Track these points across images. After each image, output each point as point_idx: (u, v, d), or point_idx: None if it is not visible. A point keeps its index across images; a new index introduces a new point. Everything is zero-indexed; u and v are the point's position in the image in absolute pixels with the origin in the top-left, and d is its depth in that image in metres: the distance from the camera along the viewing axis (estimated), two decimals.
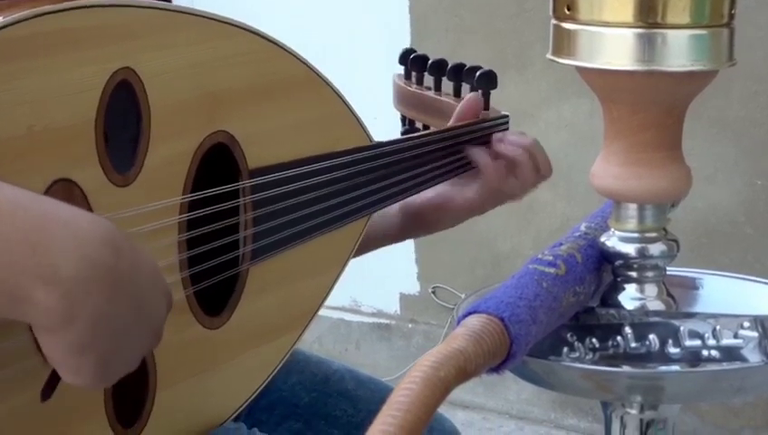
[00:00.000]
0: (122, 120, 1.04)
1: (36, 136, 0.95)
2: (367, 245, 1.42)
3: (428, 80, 1.51)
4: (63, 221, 0.85)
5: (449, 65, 1.48)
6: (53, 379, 0.95)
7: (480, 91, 1.45)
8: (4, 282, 0.83)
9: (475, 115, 1.43)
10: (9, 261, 0.82)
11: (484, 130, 1.42)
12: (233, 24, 1.14)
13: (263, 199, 1.17)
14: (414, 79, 1.52)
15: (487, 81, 1.45)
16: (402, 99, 1.53)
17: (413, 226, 1.45)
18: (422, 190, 1.39)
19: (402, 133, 1.50)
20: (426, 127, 1.50)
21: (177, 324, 1.09)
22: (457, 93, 1.49)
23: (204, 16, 1.11)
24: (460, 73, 1.47)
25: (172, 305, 0.96)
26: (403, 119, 1.54)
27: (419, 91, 1.51)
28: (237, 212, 1.16)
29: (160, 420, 1.09)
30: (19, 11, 0.94)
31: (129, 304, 0.89)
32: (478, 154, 1.40)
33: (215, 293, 1.15)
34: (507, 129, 1.46)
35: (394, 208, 1.43)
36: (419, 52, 1.53)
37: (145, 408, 1.08)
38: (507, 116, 1.46)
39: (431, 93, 1.50)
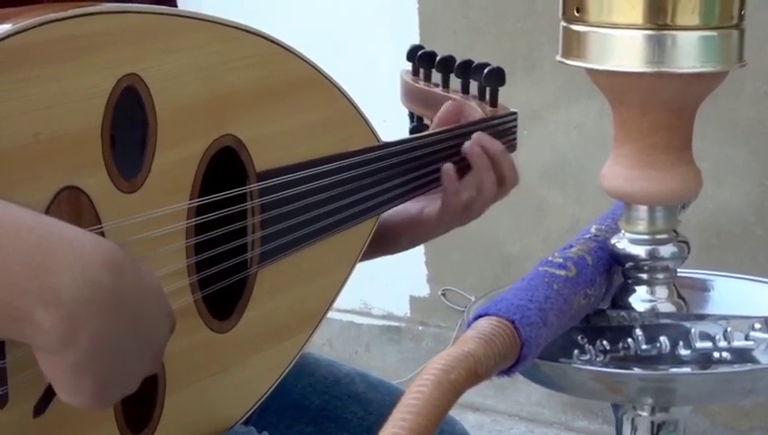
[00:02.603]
0: (129, 126, 1.03)
1: (43, 144, 0.95)
2: None
3: (436, 76, 1.50)
4: (67, 242, 0.85)
5: (457, 62, 1.47)
6: (48, 395, 0.95)
7: (488, 88, 1.44)
8: (5, 303, 0.83)
9: (453, 123, 1.41)
10: (11, 282, 0.82)
11: (492, 127, 1.42)
12: (237, 27, 1.14)
13: (270, 202, 1.17)
14: (422, 75, 1.52)
15: (496, 78, 1.44)
16: (410, 95, 1.53)
17: (378, 240, 1.40)
18: (431, 190, 1.38)
19: (411, 130, 1.50)
20: None
21: (186, 329, 1.09)
22: (465, 90, 1.48)
23: (208, 20, 1.11)
24: (468, 70, 1.47)
25: (175, 327, 0.96)
26: (411, 115, 1.53)
27: (427, 88, 1.50)
28: (245, 216, 1.15)
29: (170, 424, 1.09)
30: (25, 19, 0.94)
31: (129, 327, 0.89)
32: (445, 172, 1.36)
33: (223, 296, 1.15)
34: (515, 126, 1.45)
35: None
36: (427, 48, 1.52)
37: (154, 412, 1.08)
38: (515, 113, 1.46)
39: (439, 90, 1.49)
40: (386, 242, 1.42)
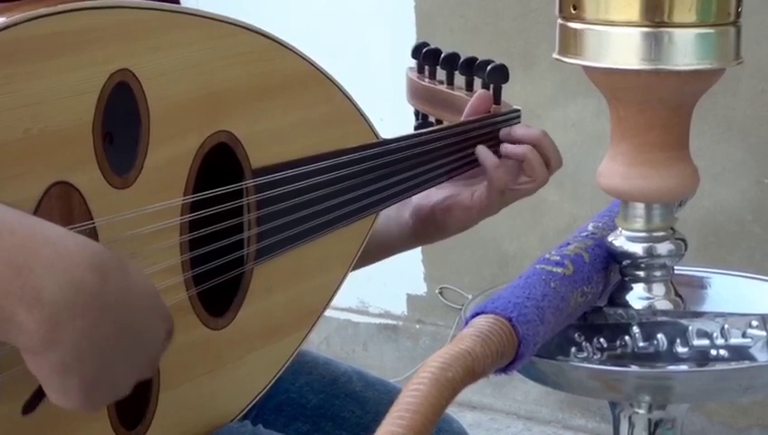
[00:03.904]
0: (121, 122, 1.03)
1: (33, 139, 0.95)
2: (381, 252, 1.41)
3: (441, 74, 1.50)
4: (51, 243, 0.85)
5: (461, 59, 1.47)
6: (38, 395, 0.94)
7: (491, 85, 1.44)
8: None
9: (485, 112, 1.42)
10: None
11: (495, 124, 1.42)
12: (232, 24, 1.13)
13: (267, 199, 1.17)
14: (427, 73, 1.52)
15: (499, 75, 1.44)
16: (415, 93, 1.53)
17: (426, 230, 1.43)
18: (432, 187, 1.38)
19: (416, 127, 1.50)
20: (439, 121, 1.49)
21: (181, 326, 1.09)
22: (469, 87, 1.48)
23: (203, 16, 1.10)
24: (472, 67, 1.46)
25: (173, 332, 0.96)
26: (416, 113, 1.53)
27: (432, 86, 1.50)
28: (241, 212, 1.15)
29: (164, 421, 1.09)
30: (15, 14, 0.94)
31: (115, 329, 0.88)
32: (485, 156, 1.38)
33: (219, 294, 1.14)
34: (519, 123, 1.45)
35: (406, 214, 1.42)
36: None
37: (148, 409, 1.08)
38: (519, 110, 1.45)
39: (443, 87, 1.49)
40: (435, 228, 1.42)
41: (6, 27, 0.93)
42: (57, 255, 0.84)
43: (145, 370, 0.94)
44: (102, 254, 0.87)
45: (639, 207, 0.97)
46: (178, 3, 1.26)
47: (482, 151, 1.38)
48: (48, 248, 0.84)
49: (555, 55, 0.96)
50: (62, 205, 0.97)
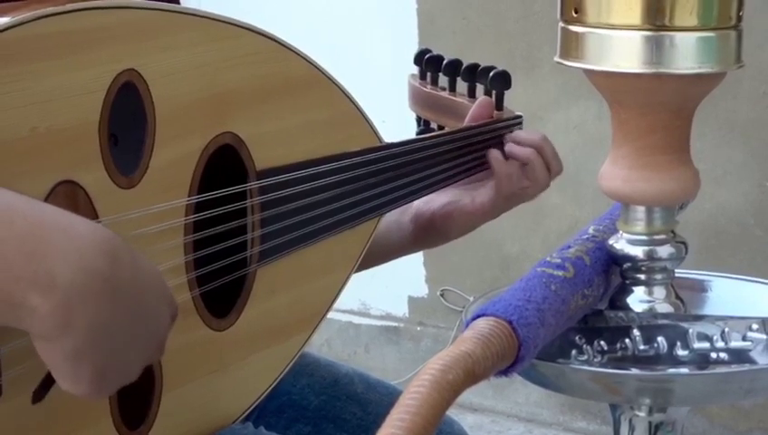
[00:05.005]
0: (127, 122, 1.04)
1: (39, 138, 0.95)
2: (382, 256, 1.42)
3: (443, 80, 1.50)
4: (62, 229, 0.85)
5: (463, 66, 1.48)
6: (47, 382, 0.95)
7: (494, 91, 1.45)
8: (0, 289, 0.83)
9: (487, 118, 1.43)
10: (6, 268, 0.82)
11: (496, 130, 1.42)
12: (238, 25, 1.14)
13: (270, 201, 1.17)
14: (429, 79, 1.52)
15: (501, 81, 1.44)
16: (417, 99, 1.53)
17: (426, 236, 1.43)
18: (434, 191, 1.39)
19: (417, 133, 1.50)
20: (441, 128, 1.49)
21: (184, 326, 1.09)
22: (472, 94, 1.48)
23: (209, 17, 1.11)
24: (474, 74, 1.46)
25: (177, 316, 0.96)
26: (418, 119, 1.53)
27: (434, 92, 1.50)
28: (245, 214, 1.15)
29: (166, 421, 1.09)
30: (22, 13, 0.94)
31: (127, 315, 0.88)
32: (494, 158, 1.39)
33: (222, 295, 1.15)
34: (521, 129, 1.45)
35: (406, 220, 1.42)
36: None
37: (151, 409, 1.08)
38: (521, 116, 1.46)
39: (446, 94, 1.49)
40: (436, 234, 1.43)
41: (13, 26, 0.93)
42: (68, 241, 0.85)
43: (153, 354, 0.94)
44: (112, 240, 0.88)
45: (640, 210, 0.98)
46: (178, 3, 1.26)
47: (492, 155, 1.39)
48: (59, 234, 0.85)
49: (557, 58, 0.96)
50: (68, 203, 0.97)
